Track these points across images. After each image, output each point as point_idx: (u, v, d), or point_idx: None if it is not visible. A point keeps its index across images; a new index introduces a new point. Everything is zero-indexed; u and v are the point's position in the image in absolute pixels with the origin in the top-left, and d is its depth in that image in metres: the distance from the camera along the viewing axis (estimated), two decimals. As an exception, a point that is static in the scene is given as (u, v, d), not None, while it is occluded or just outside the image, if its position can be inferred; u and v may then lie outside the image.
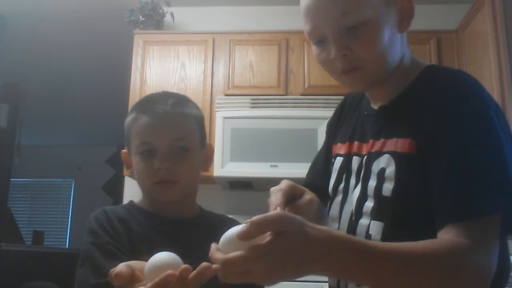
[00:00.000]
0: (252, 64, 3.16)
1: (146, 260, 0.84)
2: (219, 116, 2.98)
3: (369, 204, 0.94)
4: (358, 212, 0.97)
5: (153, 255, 0.81)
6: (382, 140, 0.96)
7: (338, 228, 1.01)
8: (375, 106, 1.03)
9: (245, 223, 0.68)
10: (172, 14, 3.44)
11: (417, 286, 0.78)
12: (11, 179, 4.33)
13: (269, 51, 3.17)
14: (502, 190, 0.83)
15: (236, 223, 1.24)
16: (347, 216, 1.00)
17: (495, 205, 0.82)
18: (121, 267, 0.78)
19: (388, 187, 0.91)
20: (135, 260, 0.83)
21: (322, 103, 2.95)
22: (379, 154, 0.95)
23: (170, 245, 0.86)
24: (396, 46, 0.95)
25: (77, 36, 3.97)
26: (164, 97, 1.16)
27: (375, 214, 0.92)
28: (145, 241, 1.07)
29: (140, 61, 3.20)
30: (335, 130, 1.15)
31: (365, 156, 0.99)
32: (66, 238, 6.79)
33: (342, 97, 3.31)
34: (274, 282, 0.70)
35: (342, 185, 1.05)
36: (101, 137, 6.07)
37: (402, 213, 0.89)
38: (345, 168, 1.05)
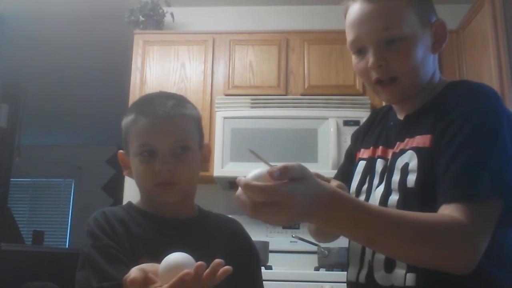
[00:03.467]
0: (252, 64, 3.16)
1: (147, 261, 0.85)
2: (219, 116, 2.98)
3: (393, 198, 1.01)
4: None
5: (152, 256, 0.81)
6: (406, 140, 1.05)
7: None
8: (401, 117, 1.13)
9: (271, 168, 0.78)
10: (172, 14, 3.43)
11: (402, 248, 0.87)
12: (11, 179, 4.33)
13: (269, 51, 3.17)
14: (498, 181, 0.90)
15: (236, 222, 1.25)
16: None
17: (488, 193, 0.89)
18: (135, 271, 0.79)
19: (411, 179, 0.99)
20: (135, 262, 0.83)
21: (322, 103, 2.95)
22: (402, 151, 1.04)
23: (169, 246, 0.86)
24: (428, 65, 1.07)
25: (77, 36, 3.97)
26: (163, 98, 1.15)
27: (401, 206, 0.99)
28: (144, 242, 1.07)
29: (140, 61, 3.20)
30: (362, 138, 1.24)
31: (390, 159, 1.08)
32: (66, 238, 6.78)
33: (341, 96, 3.31)
34: (292, 221, 0.80)
35: (365, 186, 1.12)
36: (101, 137, 6.06)
37: (426, 201, 0.95)
38: (369, 171, 1.12)
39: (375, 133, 1.19)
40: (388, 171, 1.06)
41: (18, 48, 4.10)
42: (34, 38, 4.00)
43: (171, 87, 3.09)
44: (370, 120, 1.26)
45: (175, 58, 3.20)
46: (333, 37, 3.08)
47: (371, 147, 1.16)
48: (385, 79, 1.04)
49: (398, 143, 1.07)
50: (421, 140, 1.00)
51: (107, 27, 3.77)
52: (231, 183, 3.06)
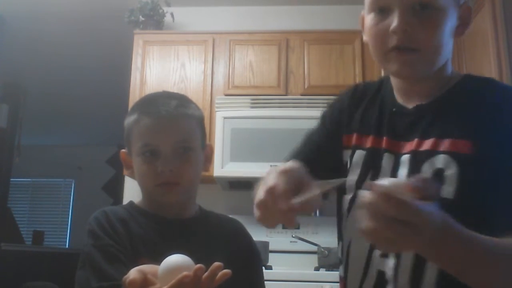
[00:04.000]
0: (252, 64, 3.16)
1: (147, 261, 0.85)
2: (219, 116, 2.98)
3: None
4: None
5: (152, 256, 0.81)
6: (432, 139, 0.94)
7: None
8: (407, 103, 1.01)
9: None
10: (172, 14, 3.44)
11: (492, 280, 0.81)
12: (11, 179, 4.33)
13: (269, 51, 3.17)
14: None
15: (237, 222, 1.25)
16: None
17: None
18: (133, 273, 0.79)
19: (449, 189, 0.89)
20: (134, 262, 0.83)
21: (322, 103, 2.95)
22: (431, 153, 0.93)
23: (170, 246, 0.86)
24: (448, 48, 0.98)
25: (77, 36, 3.97)
26: (166, 98, 1.15)
27: None
28: (145, 242, 1.07)
29: (140, 61, 3.20)
30: (346, 118, 1.09)
31: (406, 155, 0.96)
32: (66, 238, 6.79)
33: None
34: (411, 249, 0.76)
35: (367, 182, 1.00)
36: (101, 137, 6.06)
37: (465, 214, 0.85)
38: (371, 165, 1.01)
39: (371, 117, 1.05)
40: (410, 172, 0.95)
41: (18, 48, 4.10)
42: (34, 38, 4.00)
43: (171, 87, 3.09)
44: (354, 97, 1.11)
45: (175, 58, 3.20)
46: (333, 37, 3.07)
47: (371, 136, 1.02)
48: (404, 47, 0.93)
49: (417, 140, 0.95)
50: (459, 145, 0.90)
51: (107, 27, 3.77)
52: (231, 183, 3.06)
